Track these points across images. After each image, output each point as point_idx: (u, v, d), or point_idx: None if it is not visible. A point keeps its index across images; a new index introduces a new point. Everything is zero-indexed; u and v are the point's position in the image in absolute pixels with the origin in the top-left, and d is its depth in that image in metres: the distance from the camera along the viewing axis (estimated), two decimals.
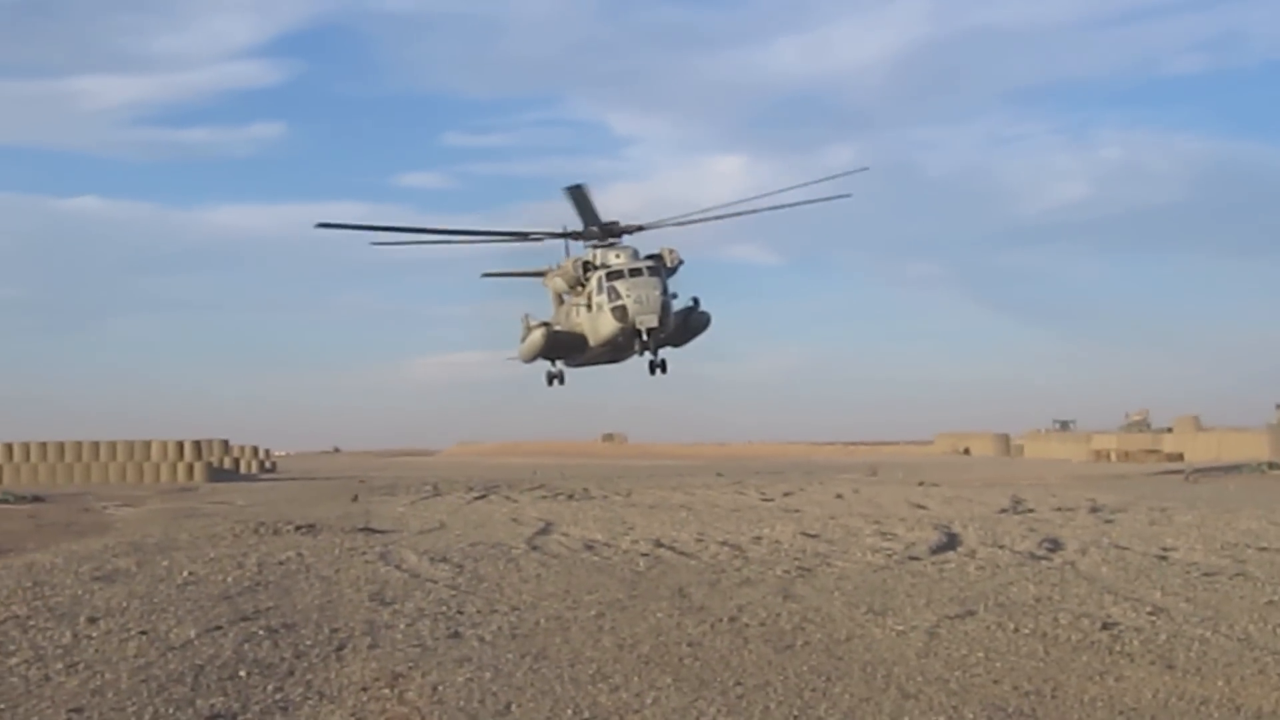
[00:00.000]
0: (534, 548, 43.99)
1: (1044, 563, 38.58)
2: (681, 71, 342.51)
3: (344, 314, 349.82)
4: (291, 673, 22.58)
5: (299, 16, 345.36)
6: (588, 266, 50.66)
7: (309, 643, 25.42)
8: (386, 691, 21.19)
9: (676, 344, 52.67)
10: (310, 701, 20.61)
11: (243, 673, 22.50)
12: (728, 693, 20.87)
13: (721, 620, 27.94)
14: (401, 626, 27.38)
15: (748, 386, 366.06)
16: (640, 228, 50.76)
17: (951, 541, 45.22)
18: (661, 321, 48.96)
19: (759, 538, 46.94)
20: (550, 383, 51.24)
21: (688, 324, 52.72)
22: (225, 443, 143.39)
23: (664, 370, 53.67)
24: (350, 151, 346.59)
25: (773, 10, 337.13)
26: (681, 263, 51.94)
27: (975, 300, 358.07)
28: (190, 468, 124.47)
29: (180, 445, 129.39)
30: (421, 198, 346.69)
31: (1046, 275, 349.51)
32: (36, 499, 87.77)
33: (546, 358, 52.54)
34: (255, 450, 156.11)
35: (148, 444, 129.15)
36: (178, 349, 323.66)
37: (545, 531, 50.46)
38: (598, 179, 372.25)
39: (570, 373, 55.47)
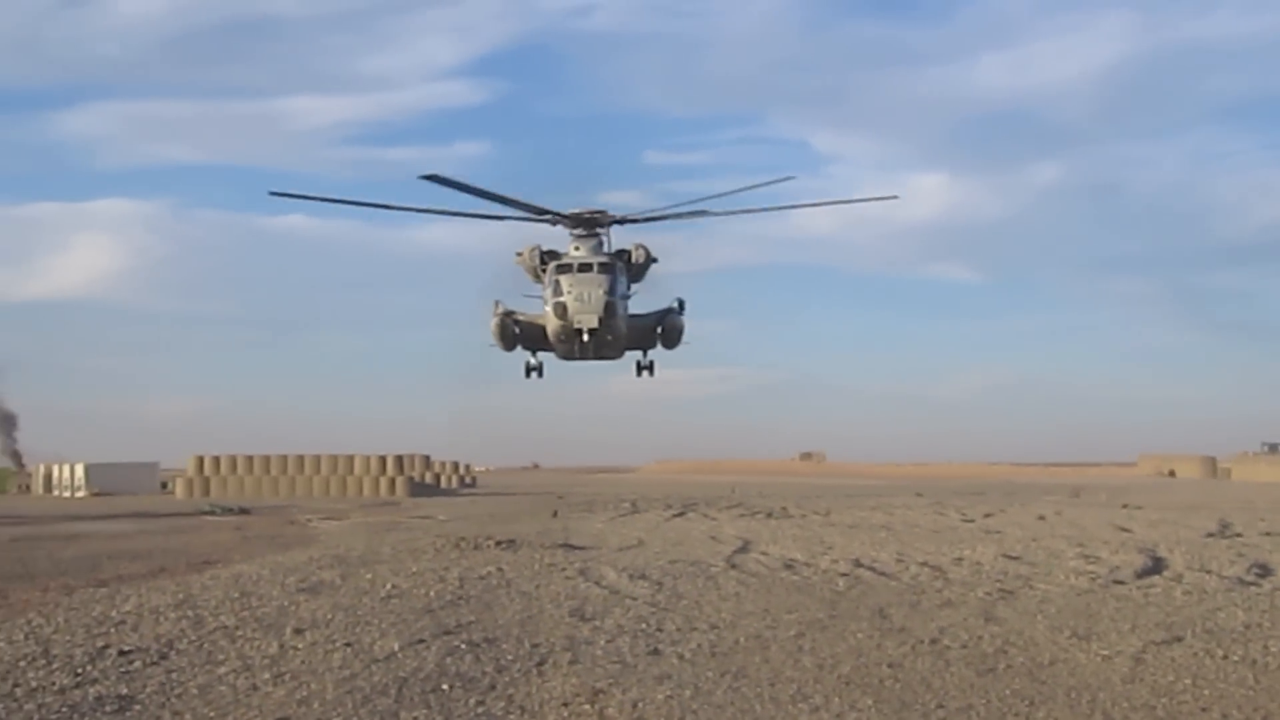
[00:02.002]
0: (733, 566, 43.89)
1: (1253, 589, 37.69)
2: (883, 89, 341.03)
3: None
4: (493, 687, 22.73)
5: (502, 37, 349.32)
6: (545, 256, 47.36)
7: (510, 657, 25.57)
8: (587, 707, 21.25)
9: (668, 346, 50.66)
10: (512, 716, 20.73)
11: (445, 686, 22.70)
12: (929, 715, 20.64)
13: (922, 642, 27.65)
14: (602, 643, 27.44)
15: (948, 406, 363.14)
16: (622, 220, 48.05)
17: (1157, 565, 44.34)
18: (604, 323, 45.21)
19: (960, 559, 46.43)
20: (528, 374, 47.89)
21: (664, 326, 48.90)
22: (427, 458, 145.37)
23: (650, 373, 49.88)
24: (552, 171, 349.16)
25: (976, 27, 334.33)
26: (653, 260, 48.44)
27: (1182, 320, 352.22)
28: (392, 482, 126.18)
29: (383, 460, 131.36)
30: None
31: (1256, 295, 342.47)
32: (243, 511, 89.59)
33: (511, 347, 49.68)
34: (456, 466, 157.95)
35: (351, 459, 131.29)
36: (382, 365, 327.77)
37: (744, 550, 50.32)
38: (798, 198, 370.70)
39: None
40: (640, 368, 49.23)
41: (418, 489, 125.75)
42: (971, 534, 60.30)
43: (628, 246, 47.10)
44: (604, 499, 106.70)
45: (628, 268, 46.97)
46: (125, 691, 22.15)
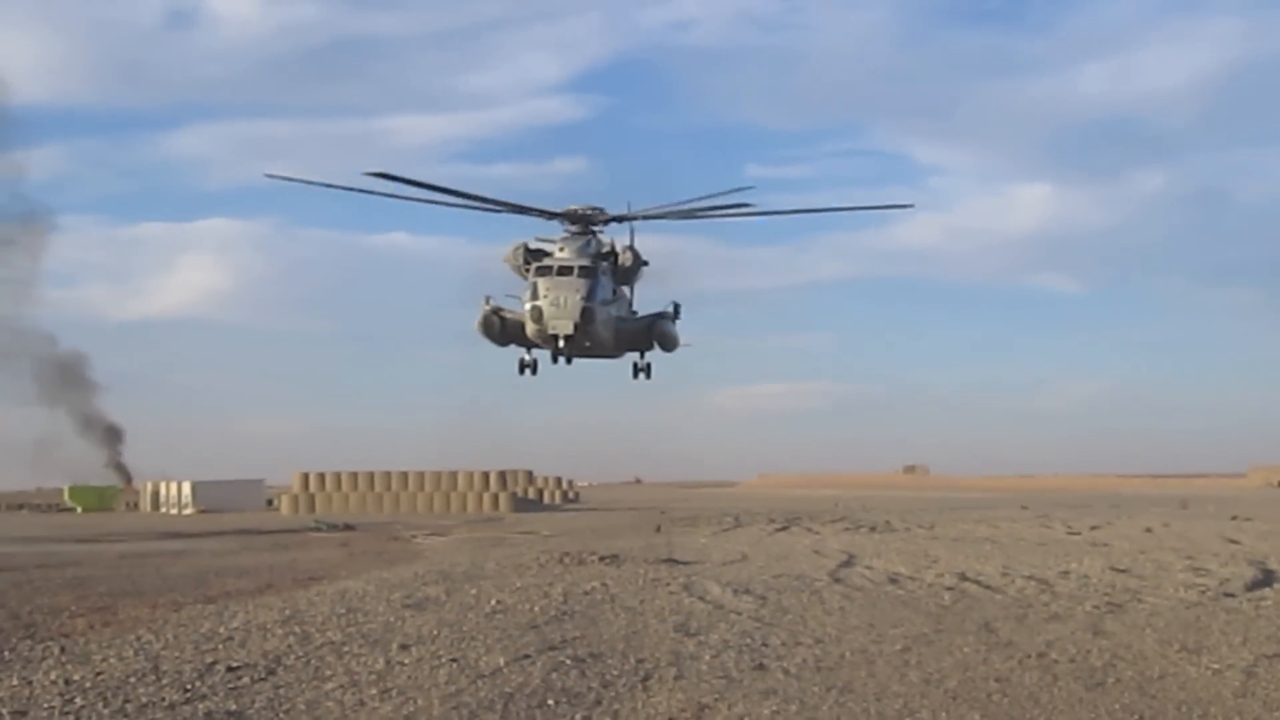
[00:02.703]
0: (837, 580, 43.72)
1: None
2: (986, 99, 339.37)
3: None
4: (599, 702, 22.73)
5: (602, 53, 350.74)
6: (530, 255, 46.37)
7: (615, 673, 25.57)
8: None
9: (664, 350, 49.36)
10: None
11: (551, 701, 22.72)
12: None
13: (1029, 656, 27.42)
14: (706, 658, 27.39)
15: (1052, 417, 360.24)
16: (620, 218, 47.30)
17: (1268, 578, 43.78)
18: (581, 329, 44.24)
19: (1066, 572, 46.02)
20: (521, 371, 46.16)
21: (655, 331, 48.65)
22: (529, 473, 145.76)
23: (648, 375, 49.84)
24: (652, 185, 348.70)
25: (1079, 35, 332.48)
26: (644, 263, 47.75)
27: None
28: (496, 498, 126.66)
29: (486, 475, 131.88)
30: (724, 230, 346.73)
31: None
32: (348, 527, 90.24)
33: (503, 343, 47.91)
34: (558, 481, 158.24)
35: (454, 474, 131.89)
36: (483, 380, 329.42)
37: (848, 564, 50.13)
38: (898, 210, 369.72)
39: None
40: (637, 369, 49.04)
41: (520, 504, 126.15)
42: (1077, 547, 59.77)
43: (615, 248, 46.59)
44: (707, 513, 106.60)
45: (614, 271, 46.33)
46: (234, 708, 22.33)
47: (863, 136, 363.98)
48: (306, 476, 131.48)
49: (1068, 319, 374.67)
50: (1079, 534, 70.96)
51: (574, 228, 46.46)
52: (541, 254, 45.78)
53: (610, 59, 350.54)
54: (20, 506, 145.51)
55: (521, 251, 45.99)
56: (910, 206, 65.99)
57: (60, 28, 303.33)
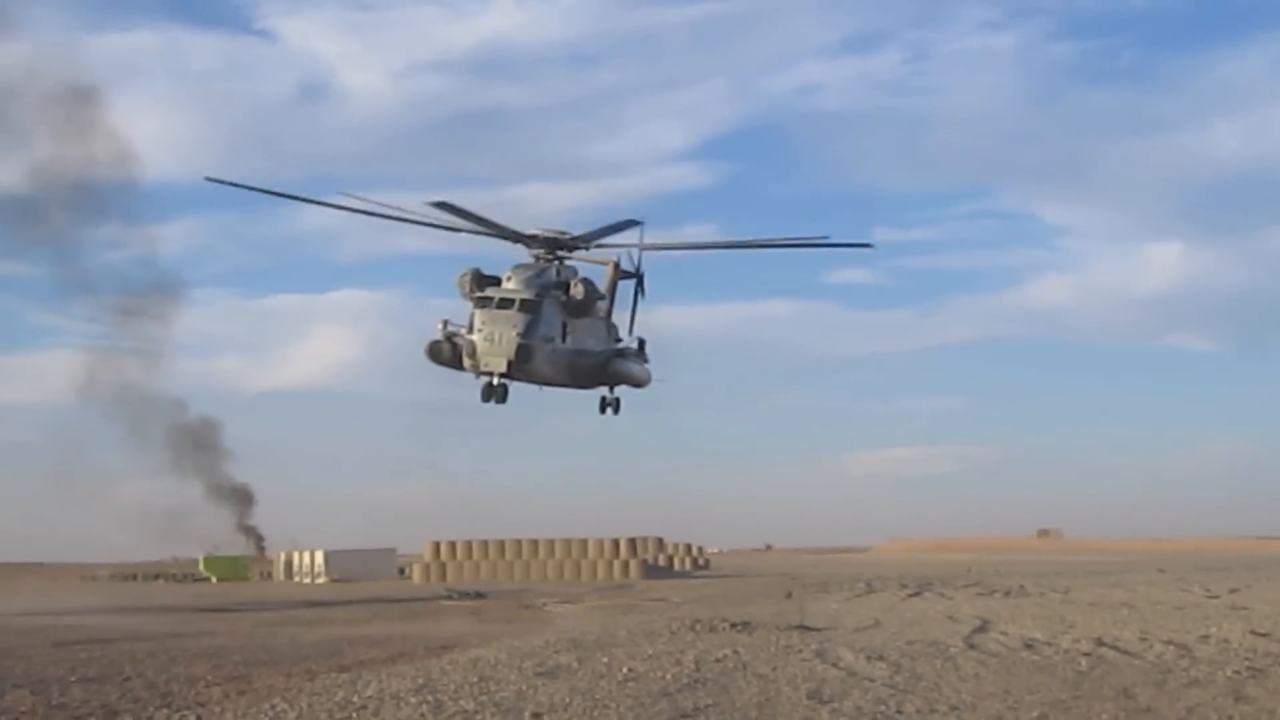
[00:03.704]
0: (971, 646, 43.26)
1: None
2: (1115, 158, 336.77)
3: (775, 411, 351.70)
4: None
5: (729, 119, 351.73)
6: (479, 284, 43.71)
7: None
8: None
9: (631, 385, 47.40)
10: None
11: None
12: None
13: None
14: None
15: (1188, 479, 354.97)
16: (587, 244, 45.62)
17: None
18: (517, 366, 41.90)
19: (1206, 636, 45.26)
20: (486, 398, 42.75)
21: (608, 370, 46.46)
22: (659, 540, 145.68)
23: (615, 410, 47.80)
24: (781, 250, 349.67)
25: (1210, 92, 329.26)
26: (599, 297, 45.67)
27: None
28: (626, 565, 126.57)
29: (616, 543, 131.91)
30: (852, 294, 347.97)
31: None
32: (479, 595, 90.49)
33: (460, 366, 45.11)
34: (689, 547, 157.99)
35: (584, 542, 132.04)
36: (613, 448, 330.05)
37: (982, 629, 49.59)
38: (1027, 271, 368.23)
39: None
40: (604, 404, 47.50)
41: (651, 571, 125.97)
42: (1217, 610, 58.77)
43: (570, 279, 44.43)
44: (838, 579, 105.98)
45: (567, 304, 44.02)
46: None
47: (991, 198, 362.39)
48: (438, 545, 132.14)
49: (1203, 379, 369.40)
50: (1218, 597, 69.80)
51: (540, 252, 44.71)
52: (492, 282, 43.53)
53: (737, 125, 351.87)
54: (156, 576, 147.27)
55: (469, 279, 43.65)
56: (870, 246, 61.16)
57: (194, 104, 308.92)
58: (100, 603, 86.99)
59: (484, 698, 31.99)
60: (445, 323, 43.18)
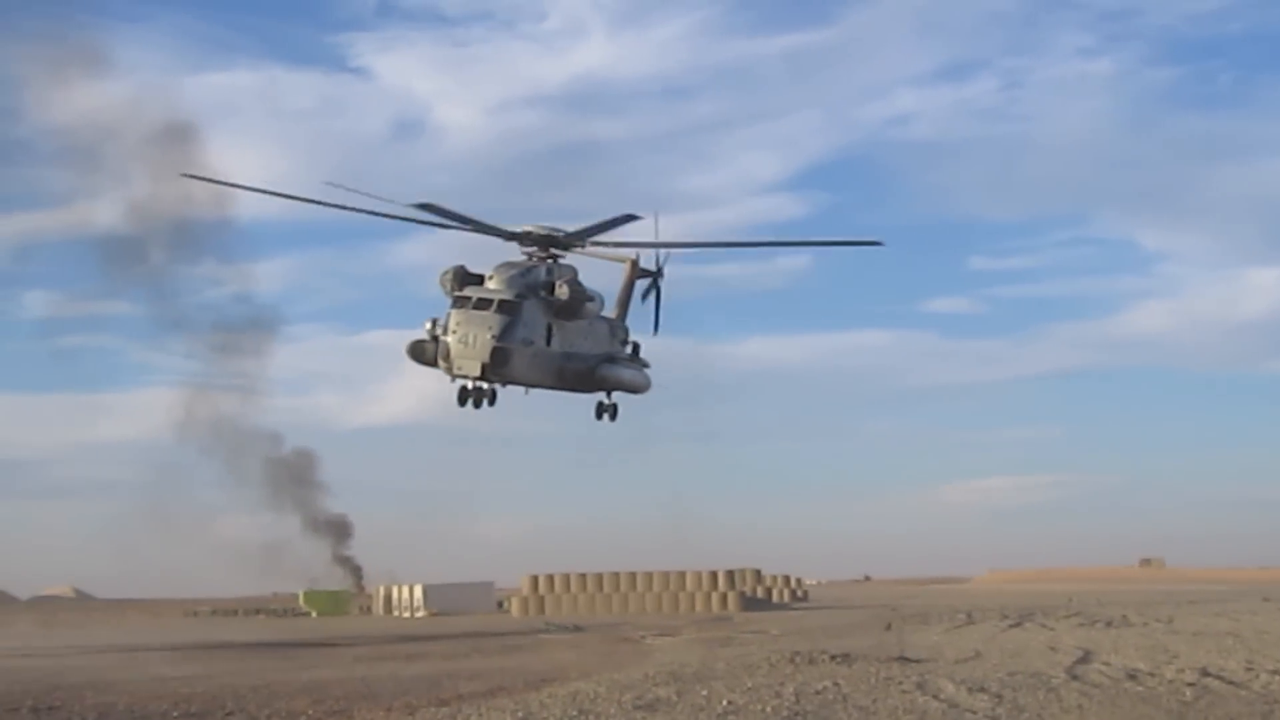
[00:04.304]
0: (1074, 677, 42.84)
1: None
2: (1214, 183, 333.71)
3: (872, 441, 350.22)
4: None
5: (823, 150, 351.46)
6: (464, 281, 42.03)
7: None
8: None
9: (624, 390, 45.73)
10: None
11: None
12: None
13: None
14: None
15: None
16: (580, 242, 43.57)
17: None
18: (491, 370, 40.13)
19: None
20: (462, 402, 41.19)
21: (595, 375, 44.61)
22: (758, 572, 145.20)
23: (612, 417, 46.05)
24: (875, 280, 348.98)
25: None
26: (589, 299, 43.31)
27: None
28: (724, 597, 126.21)
29: (714, 575, 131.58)
30: (948, 323, 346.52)
31: None
32: (577, 629, 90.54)
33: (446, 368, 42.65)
34: (787, 579, 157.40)
35: (682, 574, 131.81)
36: (710, 479, 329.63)
37: (1085, 660, 49.12)
38: (1125, 298, 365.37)
39: None
40: (601, 410, 45.96)
41: (749, 603, 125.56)
42: None
43: (555, 279, 42.36)
44: (938, 610, 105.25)
45: (550, 305, 42.08)
46: None
47: (1088, 225, 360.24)
48: (536, 579, 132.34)
49: None
50: None
51: (534, 250, 42.92)
52: (477, 281, 41.84)
53: (830, 156, 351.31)
54: (257, 611, 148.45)
55: (451, 277, 41.90)
56: (879, 244, 57.48)
57: (291, 142, 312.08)
58: (202, 638, 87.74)
59: None
60: (434, 321, 41.36)
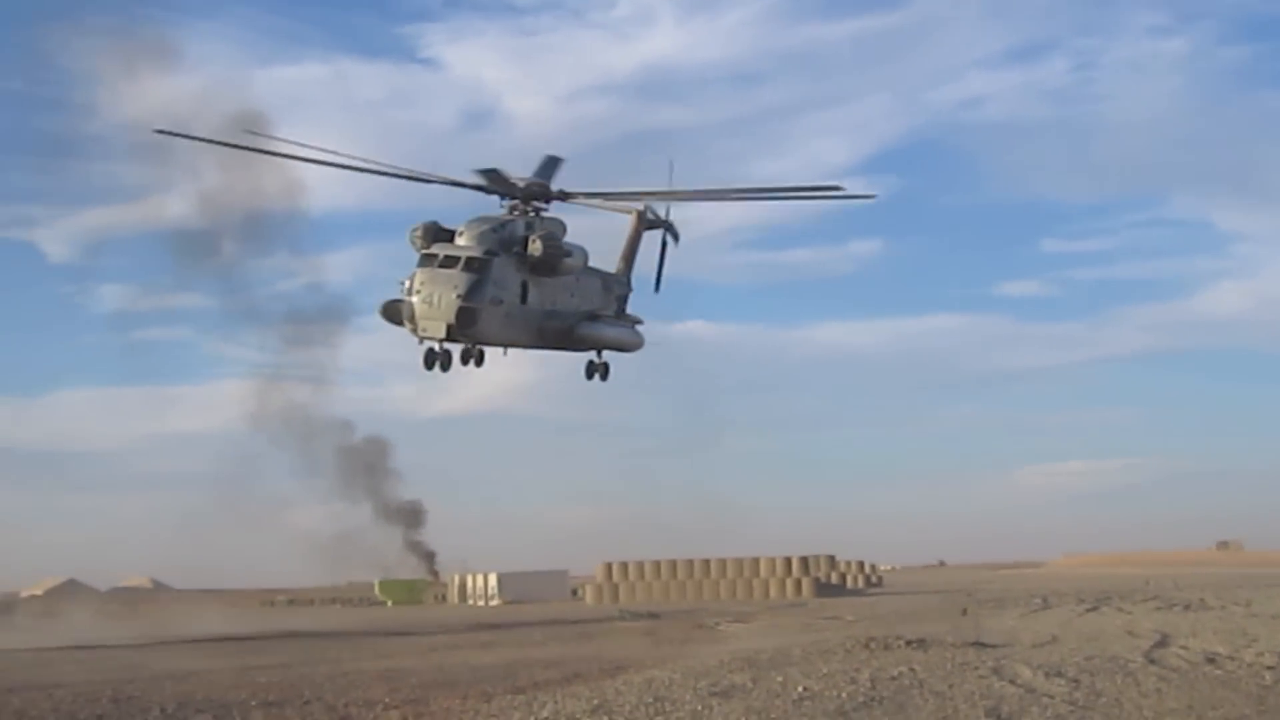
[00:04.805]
0: (1152, 661, 42.54)
1: None
2: None
3: (947, 426, 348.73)
4: None
5: (893, 134, 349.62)
6: (436, 237, 40.13)
7: None
8: None
9: (608, 348, 43.85)
10: None
11: None
12: None
13: None
14: None
15: None
16: (563, 195, 41.71)
17: None
18: (458, 331, 38.34)
19: None
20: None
21: (574, 335, 42.56)
22: (831, 558, 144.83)
23: (603, 376, 44.39)
24: (948, 264, 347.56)
25: None
26: (566, 254, 41.07)
27: None
28: (798, 583, 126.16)
29: (788, 561, 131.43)
30: (1021, 306, 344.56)
31: None
32: (652, 616, 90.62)
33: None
34: (861, 565, 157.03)
35: (756, 561, 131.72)
36: (784, 465, 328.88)
37: (1162, 644, 48.77)
38: (1201, 279, 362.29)
39: None
40: (591, 369, 44.51)
41: (824, 589, 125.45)
42: None
43: (529, 234, 40.54)
44: (1013, 595, 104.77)
45: (525, 261, 40.28)
46: None
47: (1162, 206, 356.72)
48: (610, 566, 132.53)
49: None
50: None
51: (516, 204, 41.21)
52: (449, 238, 40.10)
53: (901, 140, 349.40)
54: (333, 601, 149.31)
55: (421, 233, 40.22)
56: (871, 198, 56.10)
57: (361, 133, 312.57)
58: (279, 628, 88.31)
59: (659, 718, 32.06)
60: (410, 280, 39.39)
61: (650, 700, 35.49)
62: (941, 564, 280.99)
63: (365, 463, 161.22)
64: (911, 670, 41.05)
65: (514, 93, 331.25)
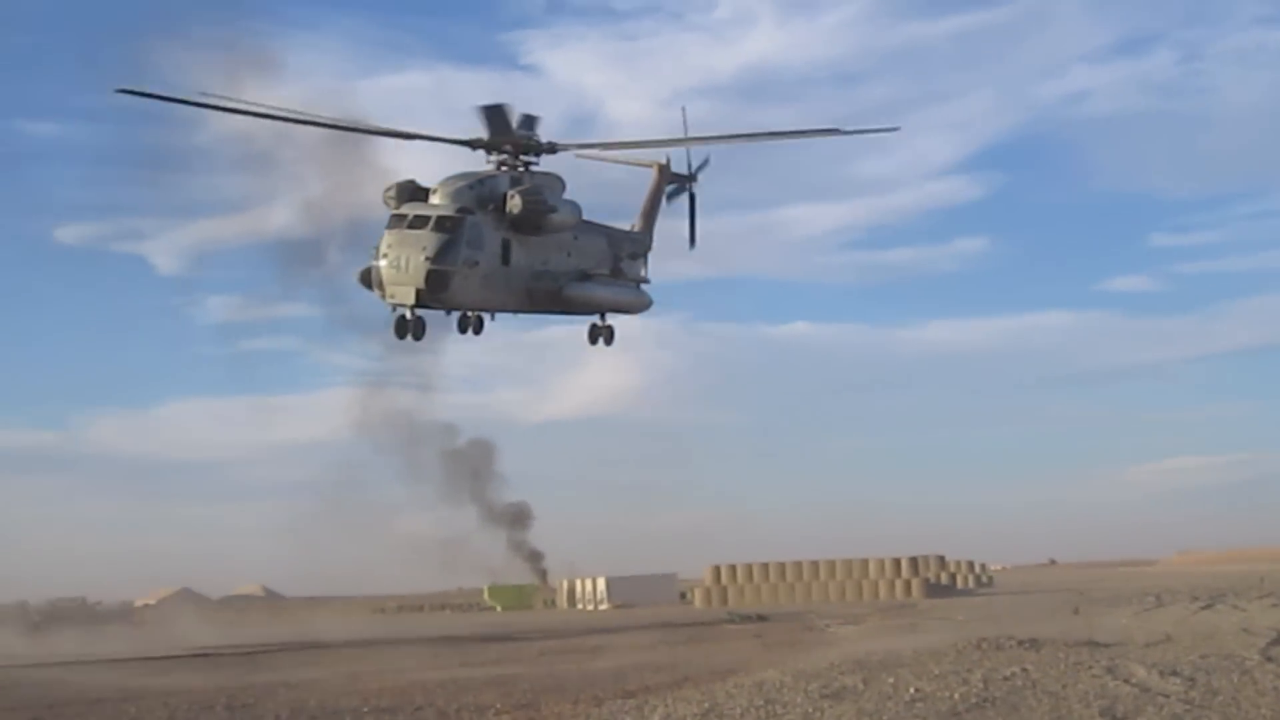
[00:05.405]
0: (1269, 659, 41.98)
1: None
2: None
3: (1056, 423, 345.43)
4: None
5: (998, 130, 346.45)
6: (401, 199, 37.73)
7: None
8: None
9: (616, 311, 42.17)
10: None
11: None
12: None
13: None
14: None
15: None
16: (555, 147, 39.90)
17: None
18: (429, 295, 36.03)
19: None
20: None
21: (562, 296, 40.27)
22: (941, 558, 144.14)
23: (607, 341, 42.29)
24: (1054, 260, 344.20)
25: None
26: (550, 209, 38.73)
27: None
28: (908, 584, 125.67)
29: (897, 562, 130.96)
30: (1129, 301, 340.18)
31: None
32: (761, 619, 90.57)
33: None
34: (971, 565, 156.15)
35: (865, 562, 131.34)
36: (891, 465, 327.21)
37: (1279, 641, 48.12)
38: None
39: None
40: (594, 333, 42.63)
41: (933, 590, 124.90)
42: None
43: (510, 189, 38.26)
44: (1126, 594, 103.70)
45: (500, 219, 38.00)
46: None
47: (1272, 198, 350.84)
48: (718, 569, 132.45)
49: None
50: None
51: (504, 159, 39.26)
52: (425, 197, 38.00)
53: (1005, 136, 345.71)
54: (443, 607, 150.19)
55: (395, 193, 38.19)
56: (896, 129, 53.72)
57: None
58: (389, 634, 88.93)
59: None
60: (379, 243, 37.54)
61: (761, 703, 35.43)
62: (1052, 563, 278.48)
63: (471, 466, 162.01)
64: (1024, 671, 40.75)
65: (616, 96, 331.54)
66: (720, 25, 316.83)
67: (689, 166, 44.87)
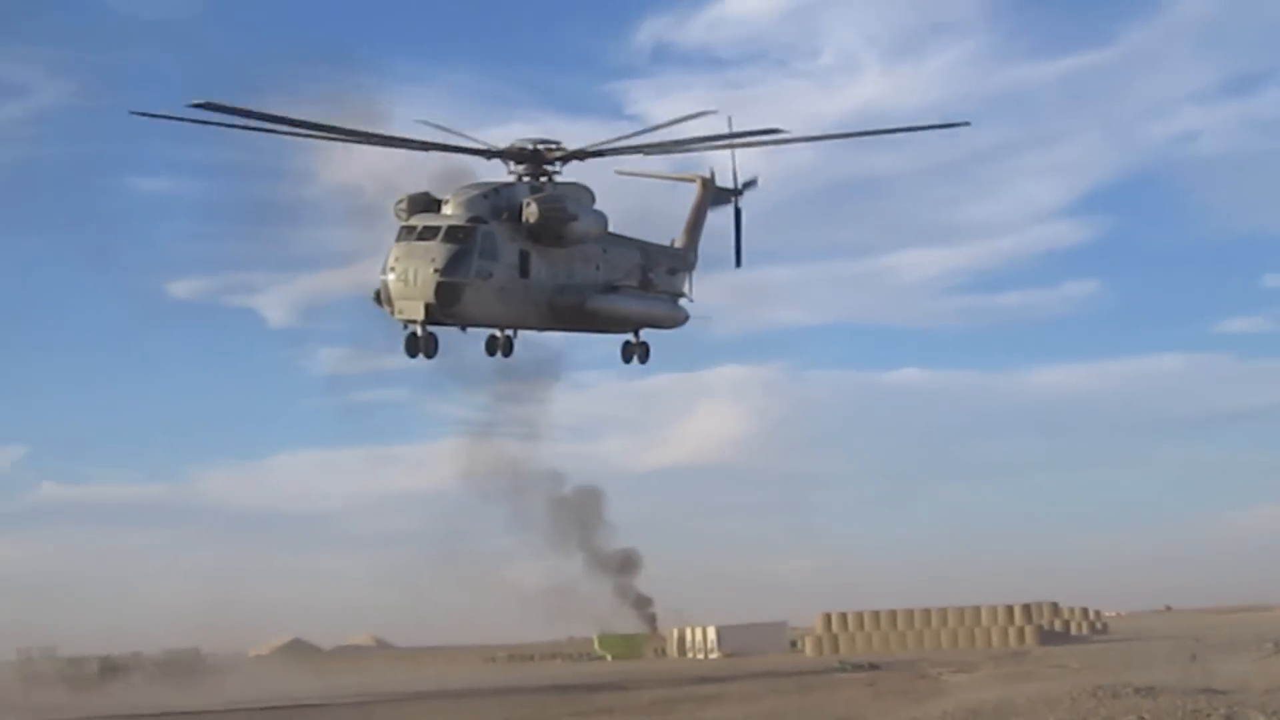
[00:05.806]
0: None
1: None
2: None
3: (1169, 468, 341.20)
4: None
5: (1106, 172, 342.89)
6: (412, 211, 36.01)
7: None
8: None
9: (650, 327, 40.26)
10: None
11: None
12: None
13: None
14: None
15: None
16: (579, 154, 38.49)
17: None
18: (439, 310, 34.23)
19: None
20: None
21: (585, 310, 37.90)
22: (1054, 605, 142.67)
23: (642, 359, 40.27)
24: (1165, 302, 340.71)
25: None
26: (571, 218, 36.94)
27: None
28: (1021, 631, 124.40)
29: (1010, 609, 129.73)
30: (1243, 343, 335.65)
31: None
32: (873, 667, 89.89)
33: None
34: (1085, 611, 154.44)
35: (977, 609, 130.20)
36: (1003, 511, 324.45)
37: None
38: None
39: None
40: (628, 351, 40.73)
41: (1047, 637, 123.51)
42: None
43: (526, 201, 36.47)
44: (1243, 639, 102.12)
45: (518, 229, 36.14)
46: None
47: None
48: (829, 617, 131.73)
49: None
50: None
51: (523, 170, 37.78)
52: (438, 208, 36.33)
53: (1114, 178, 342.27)
54: (553, 656, 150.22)
55: (406, 205, 36.35)
56: (966, 124, 51.60)
57: None
58: (501, 683, 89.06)
59: None
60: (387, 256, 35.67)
61: None
62: (1168, 609, 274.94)
63: (579, 514, 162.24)
64: (1141, 718, 40.23)
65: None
66: (825, 72, 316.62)
67: (735, 182, 43.65)
